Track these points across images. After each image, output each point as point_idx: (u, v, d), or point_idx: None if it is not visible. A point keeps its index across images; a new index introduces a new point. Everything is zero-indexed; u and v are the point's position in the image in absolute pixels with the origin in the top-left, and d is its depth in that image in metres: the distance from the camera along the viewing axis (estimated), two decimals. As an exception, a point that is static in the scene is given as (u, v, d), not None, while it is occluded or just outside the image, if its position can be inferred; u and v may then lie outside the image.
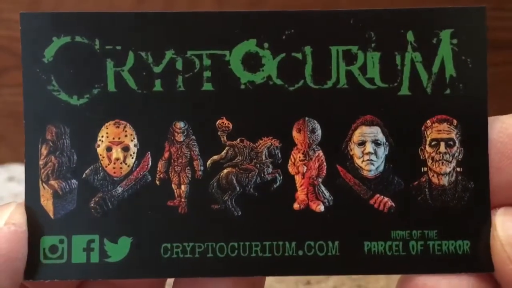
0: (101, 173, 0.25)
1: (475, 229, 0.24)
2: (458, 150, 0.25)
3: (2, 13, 0.53)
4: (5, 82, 0.55)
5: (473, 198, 0.25)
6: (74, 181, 0.25)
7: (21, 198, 0.25)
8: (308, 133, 0.25)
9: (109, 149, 0.25)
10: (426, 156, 0.25)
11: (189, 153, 0.25)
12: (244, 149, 0.25)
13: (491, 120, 0.25)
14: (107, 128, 0.25)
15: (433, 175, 0.25)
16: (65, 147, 0.25)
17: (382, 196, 0.25)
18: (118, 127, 0.25)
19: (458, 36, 0.25)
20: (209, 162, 0.25)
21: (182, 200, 0.25)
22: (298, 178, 0.25)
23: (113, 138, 0.25)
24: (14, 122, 0.55)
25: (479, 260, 0.24)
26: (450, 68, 0.25)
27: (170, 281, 0.29)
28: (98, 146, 0.25)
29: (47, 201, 0.25)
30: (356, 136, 0.25)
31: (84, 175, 0.25)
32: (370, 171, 0.25)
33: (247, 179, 0.25)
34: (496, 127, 0.24)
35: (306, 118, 0.25)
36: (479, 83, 0.25)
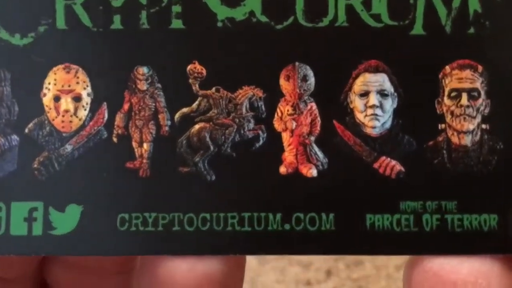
0: (47, 128, 0.22)
1: (505, 200, 0.21)
2: (483, 103, 0.22)
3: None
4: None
5: (502, 162, 0.22)
6: (14, 137, 0.22)
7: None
8: (299, 81, 0.22)
9: (57, 98, 0.22)
10: (444, 110, 0.22)
11: (153, 104, 0.22)
12: (221, 100, 0.22)
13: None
14: (55, 74, 0.22)
15: (452, 134, 0.22)
16: (5, 96, 0.22)
17: (388, 159, 0.22)
18: (68, 72, 0.22)
19: None
20: (177, 115, 0.22)
21: (144, 161, 0.22)
22: (285, 136, 0.22)
23: (62, 86, 0.22)
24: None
25: (509, 238, 0.21)
26: (474, 2, 0.22)
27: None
28: (44, 95, 0.22)
29: (-18, 161, 0.22)
30: (358, 86, 0.22)
31: (26, 130, 0.22)
32: (374, 128, 0.22)
33: (223, 137, 0.22)
34: None
35: (297, 63, 0.22)
36: (509, 20, 0.22)
